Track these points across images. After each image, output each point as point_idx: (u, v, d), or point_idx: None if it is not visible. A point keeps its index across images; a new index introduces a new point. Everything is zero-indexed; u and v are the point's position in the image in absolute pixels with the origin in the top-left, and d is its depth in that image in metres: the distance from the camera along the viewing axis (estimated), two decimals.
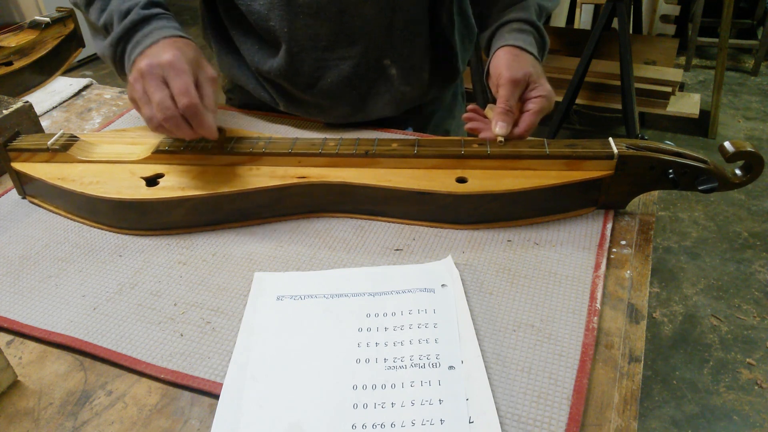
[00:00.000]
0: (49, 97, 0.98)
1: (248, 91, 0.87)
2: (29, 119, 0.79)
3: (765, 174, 0.60)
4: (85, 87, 1.01)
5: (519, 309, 0.54)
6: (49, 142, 0.69)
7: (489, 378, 0.47)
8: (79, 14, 0.98)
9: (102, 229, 0.67)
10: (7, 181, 0.74)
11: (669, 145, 0.62)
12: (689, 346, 1.65)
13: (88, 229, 0.67)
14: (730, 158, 0.59)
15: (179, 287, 0.58)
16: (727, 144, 0.59)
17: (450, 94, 0.97)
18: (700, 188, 0.61)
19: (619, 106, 2.23)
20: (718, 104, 2.57)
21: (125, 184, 0.65)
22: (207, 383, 0.49)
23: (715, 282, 1.86)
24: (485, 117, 0.71)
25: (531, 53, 0.71)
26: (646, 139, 0.64)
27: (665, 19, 3.09)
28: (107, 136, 0.76)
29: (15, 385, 0.50)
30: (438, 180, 0.63)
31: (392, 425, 0.44)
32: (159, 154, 0.68)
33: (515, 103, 0.67)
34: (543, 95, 0.67)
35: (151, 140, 0.71)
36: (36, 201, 0.71)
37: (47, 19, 1.03)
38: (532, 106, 0.67)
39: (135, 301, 0.57)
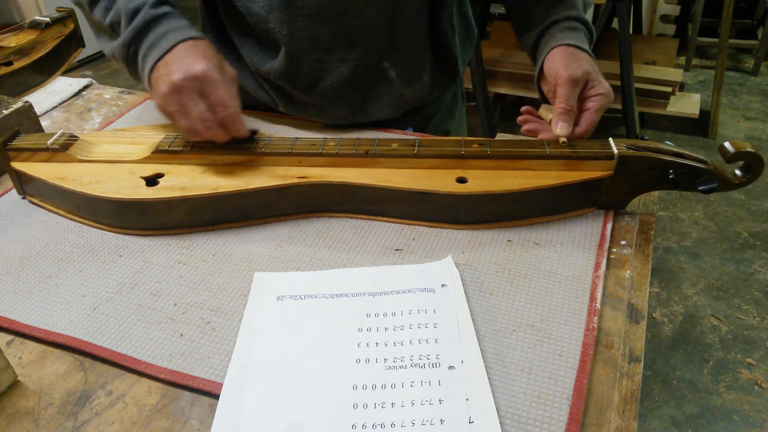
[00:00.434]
0: (49, 97, 0.98)
1: (248, 92, 0.87)
2: (29, 119, 0.79)
3: (765, 174, 0.60)
4: (85, 87, 1.01)
5: (519, 309, 0.54)
6: (48, 142, 0.69)
7: (489, 378, 0.47)
8: (79, 14, 0.98)
9: (102, 229, 0.67)
10: (7, 181, 0.74)
11: (669, 145, 0.62)
12: (689, 346, 1.65)
13: (88, 229, 0.67)
14: (730, 158, 0.59)
15: (179, 287, 0.58)
16: (727, 144, 0.59)
17: (450, 94, 0.97)
18: (700, 188, 0.61)
19: (619, 106, 2.23)
20: (718, 104, 2.57)
21: (125, 184, 0.65)
22: (207, 383, 0.49)
23: (715, 282, 1.86)
24: (540, 118, 0.71)
25: (586, 51, 0.71)
26: (646, 140, 0.64)
27: (665, 19, 3.09)
28: (107, 135, 0.75)
29: (15, 385, 0.50)
30: (438, 180, 0.63)
31: (392, 425, 0.44)
32: (159, 153, 0.68)
33: (575, 103, 0.66)
34: (603, 93, 0.66)
35: (151, 140, 0.71)
36: (36, 201, 0.71)
37: (47, 19, 1.03)
38: (592, 104, 0.66)
39: (135, 301, 0.57)
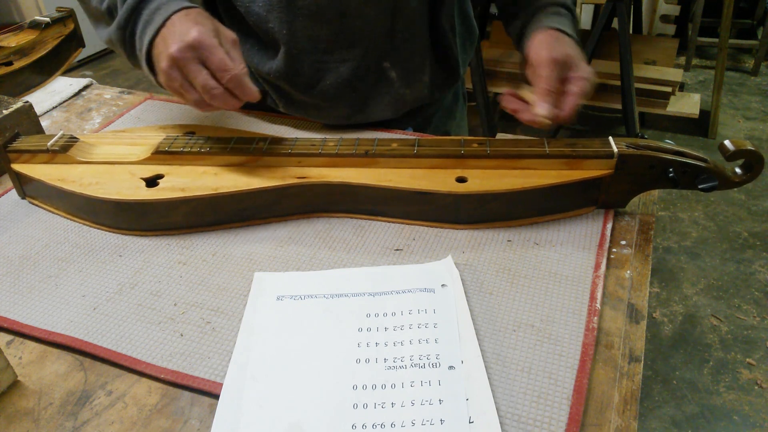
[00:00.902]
0: (49, 97, 0.98)
1: None
2: (29, 119, 0.79)
3: (765, 174, 0.60)
4: (85, 87, 1.01)
5: (519, 309, 0.54)
6: (48, 144, 0.69)
7: (489, 378, 0.47)
8: (79, 13, 0.98)
9: (102, 229, 0.67)
10: (7, 181, 0.74)
11: (669, 144, 0.62)
12: (689, 346, 1.65)
13: (88, 229, 0.67)
14: (730, 157, 0.59)
15: (179, 287, 0.58)
16: (727, 142, 0.59)
17: (451, 95, 0.97)
18: (700, 187, 0.61)
19: (619, 106, 2.23)
20: (718, 104, 2.57)
21: (125, 185, 0.65)
22: (207, 383, 0.49)
23: (715, 282, 1.86)
24: (522, 99, 0.69)
25: (571, 36, 0.71)
26: (646, 138, 0.64)
27: (665, 19, 3.09)
28: (107, 136, 0.76)
29: (15, 385, 0.50)
30: (438, 180, 0.63)
31: (392, 425, 0.44)
32: (159, 154, 0.68)
33: (557, 85, 0.65)
34: (585, 77, 0.66)
35: (151, 141, 0.71)
36: (36, 202, 0.71)
37: (47, 19, 1.03)
38: (574, 88, 0.65)
39: (135, 301, 0.57)
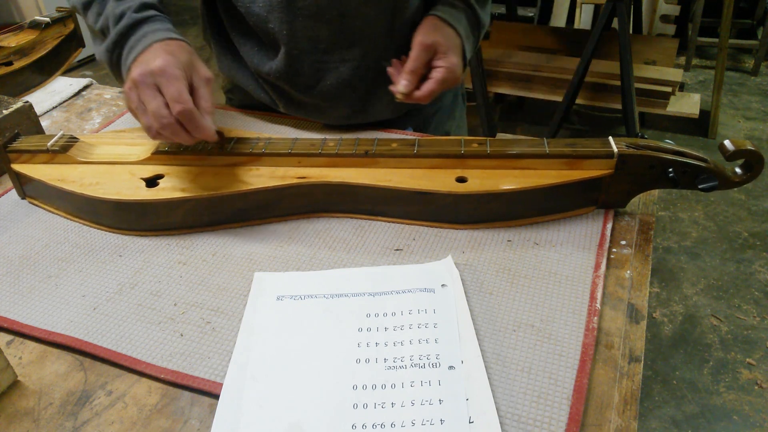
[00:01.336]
0: (49, 97, 0.98)
1: (248, 92, 0.87)
2: (29, 119, 0.79)
3: (765, 174, 0.60)
4: (85, 87, 1.01)
5: (519, 309, 0.54)
6: (48, 144, 0.69)
7: (489, 378, 0.47)
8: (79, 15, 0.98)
9: (102, 229, 0.67)
10: (7, 181, 0.74)
11: (669, 144, 0.62)
12: (689, 346, 1.65)
13: (88, 229, 0.67)
14: (731, 157, 0.59)
15: (179, 287, 0.58)
16: (727, 142, 0.59)
17: (450, 95, 0.97)
18: (700, 187, 0.61)
19: (619, 106, 2.23)
20: (718, 104, 2.57)
21: (125, 185, 0.65)
22: (207, 383, 0.49)
23: (715, 282, 1.86)
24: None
25: (452, 27, 0.74)
26: (646, 138, 0.64)
27: (665, 19, 3.08)
28: (107, 137, 0.76)
29: (15, 385, 0.50)
30: (438, 180, 0.63)
31: (392, 425, 0.44)
32: (159, 155, 0.68)
33: (420, 67, 0.71)
34: (446, 66, 0.70)
35: (151, 141, 0.71)
36: (36, 202, 0.71)
37: (47, 19, 1.03)
38: (435, 74, 0.71)
39: (135, 301, 0.57)
